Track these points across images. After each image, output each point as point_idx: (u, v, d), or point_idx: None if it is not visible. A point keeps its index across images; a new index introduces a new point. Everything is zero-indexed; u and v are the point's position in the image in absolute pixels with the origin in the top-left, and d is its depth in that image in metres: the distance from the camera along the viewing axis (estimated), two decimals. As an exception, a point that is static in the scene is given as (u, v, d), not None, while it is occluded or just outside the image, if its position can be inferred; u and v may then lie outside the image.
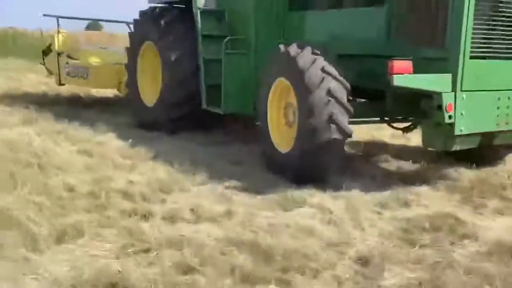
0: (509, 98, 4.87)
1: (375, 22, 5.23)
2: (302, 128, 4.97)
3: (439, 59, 4.59)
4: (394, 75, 4.27)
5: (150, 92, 7.71)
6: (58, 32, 9.00)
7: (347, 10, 5.66)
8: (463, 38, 4.43)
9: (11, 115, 7.49)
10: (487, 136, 4.97)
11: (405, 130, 6.13)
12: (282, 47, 5.33)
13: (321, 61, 4.92)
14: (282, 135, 5.51)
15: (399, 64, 4.31)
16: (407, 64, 4.36)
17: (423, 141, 5.05)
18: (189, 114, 7.03)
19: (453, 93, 4.48)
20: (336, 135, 4.79)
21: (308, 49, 5.04)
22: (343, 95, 4.82)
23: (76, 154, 5.60)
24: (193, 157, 5.67)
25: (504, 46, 4.72)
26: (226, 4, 6.86)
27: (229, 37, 6.37)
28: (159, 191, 4.61)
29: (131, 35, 8.00)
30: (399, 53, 4.85)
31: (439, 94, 4.44)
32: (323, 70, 4.85)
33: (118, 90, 9.12)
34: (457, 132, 4.59)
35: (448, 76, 4.47)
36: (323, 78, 4.82)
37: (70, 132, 6.49)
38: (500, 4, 4.61)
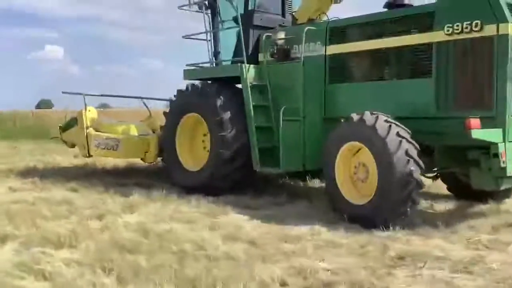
0: None
1: (424, 92, 6.42)
2: (383, 183, 5.97)
3: (487, 117, 5.80)
4: (472, 130, 5.43)
5: (190, 157, 8.50)
6: (85, 107, 9.55)
7: (396, 82, 6.81)
8: (508, 100, 5.72)
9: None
10: None
11: (434, 178, 7.34)
12: (354, 115, 6.37)
13: (395, 127, 6.01)
14: (352, 190, 6.49)
15: (474, 121, 5.49)
16: (478, 121, 5.54)
17: (474, 184, 6.21)
18: (240, 175, 7.86)
19: (503, 143, 5.70)
20: (415, 188, 5.87)
21: (381, 117, 6.13)
22: (415, 154, 5.90)
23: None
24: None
25: None
26: (271, 78, 7.88)
27: (284, 107, 7.34)
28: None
29: (172, 108, 8.79)
30: (447, 114, 6.14)
31: (495, 144, 5.64)
32: (398, 135, 5.95)
33: (143, 159, 9.71)
34: (508, 174, 5.78)
35: (500, 131, 5.69)
36: (400, 142, 5.90)
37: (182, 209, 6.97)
38: None
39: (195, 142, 8.74)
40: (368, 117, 6.26)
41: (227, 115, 7.78)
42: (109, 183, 8.52)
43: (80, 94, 9.81)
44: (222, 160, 7.77)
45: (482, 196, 7.16)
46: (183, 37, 9.27)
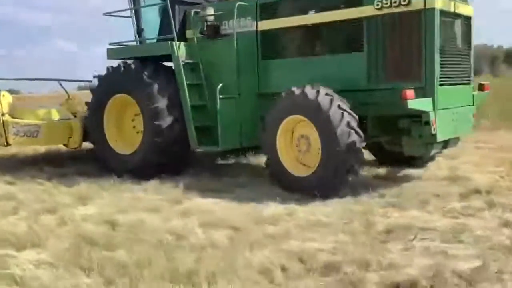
0: (457, 113, 6.69)
1: (356, 66, 6.67)
2: (326, 154, 6.18)
3: (417, 88, 6.16)
4: (408, 100, 5.75)
5: (122, 141, 8.23)
6: (-1, 93, 8.88)
7: (328, 57, 6.99)
8: (436, 71, 6.12)
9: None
10: (445, 142, 6.70)
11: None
12: (295, 89, 6.48)
13: (337, 100, 6.22)
14: (294, 162, 6.66)
15: (409, 92, 5.81)
16: (412, 91, 5.87)
17: (406, 150, 6.62)
18: (177, 157, 7.75)
19: (433, 112, 6.11)
20: (356, 161, 6.17)
21: (323, 90, 6.29)
22: (356, 125, 6.17)
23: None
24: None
25: (455, 74, 6.56)
26: (202, 56, 7.77)
27: (221, 84, 7.29)
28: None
29: (97, 89, 8.40)
30: (379, 86, 6.47)
31: (427, 113, 6.03)
32: (340, 107, 6.17)
33: (65, 145, 9.26)
34: (438, 140, 6.22)
35: (430, 100, 6.08)
36: (342, 114, 6.13)
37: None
38: (451, 41, 6.41)
39: (123, 123, 8.46)
40: (310, 90, 6.41)
41: (163, 102, 7.56)
42: (47, 172, 8.06)
43: (-6, 78, 9.07)
44: (157, 148, 7.59)
45: (405, 162, 7.68)
46: (104, 14, 8.85)
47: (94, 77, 10.28)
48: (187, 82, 7.61)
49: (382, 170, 7.70)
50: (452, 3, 6.43)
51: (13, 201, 6.20)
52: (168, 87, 7.69)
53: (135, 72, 7.80)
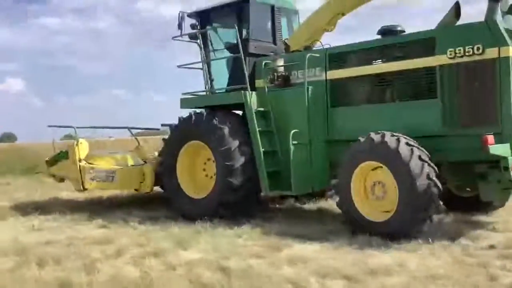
0: None
1: (430, 112, 6.80)
2: (404, 203, 6.28)
3: (494, 133, 6.21)
4: (490, 146, 5.83)
5: (194, 186, 8.56)
6: (77, 140, 9.39)
7: (400, 104, 7.16)
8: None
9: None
10: None
11: None
12: (374, 135, 6.66)
13: (417, 151, 6.35)
14: (367, 206, 6.76)
15: (491, 137, 5.90)
16: (492, 137, 5.96)
17: (483, 196, 6.62)
18: (246, 200, 7.99)
19: (509, 157, 6.14)
20: (434, 211, 6.30)
21: (403, 139, 6.45)
22: (435, 176, 6.27)
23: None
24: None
25: None
26: (272, 104, 8.09)
27: (294, 131, 7.55)
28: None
29: (170, 137, 8.83)
30: (454, 132, 6.56)
31: (506, 158, 6.06)
32: (420, 158, 6.29)
33: (137, 189, 9.62)
34: (520, 186, 6.23)
35: (507, 145, 6.13)
36: (422, 165, 6.25)
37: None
38: None
39: (195, 169, 8.79)
40: (390, 138, 6.55)
41: (234, 144, 7.90)
42: (137, 216, 8.37)
43: (70, 127, 9.65)
44: (230, 188, 7.85)
45: (473, 208, 7.64)
46: (178, 66, 9.37)
47: (162, 125, 10.82)
48: (259, 129, 7.92)
49: (455, 216, 7.62)
50: None
51: (112, 244, 6.38)
52: (238, 131, 8.05)
53: (208, 119, 8.18)
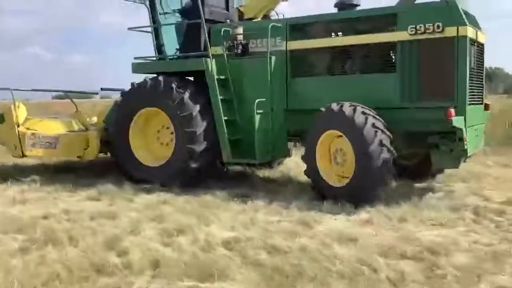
0: (476, 129, 7.38)
1: (389, 86, 7.21)
2: (360, 168, 6.66)
3: (449, 107, 6.76)
4: (453, 118, 6.34)
5: (147, 154, 8.38)
6: (14, 104, 8.74)
7: (359, 76, 7.50)
8: (466, 91, 6.77)
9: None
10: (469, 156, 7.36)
11: None
12: (334, 105, 6.93)
13: (371, 119, 6.72)
14: (331, 172, 7.10)
15: (453, 111, 6.41)
16: (454, 111, 6.47)
17: (436, 164, 7.22)
18: (206, 167, 8.01)
19: (465, 129, 6.73)
20: (388, 176, 6.72)
21: (359, 109, 6.78)
22: (388, 143, 6.69)
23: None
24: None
25: (476, 95, 7.26)
26: (232, 72, 8.08)
27: (258, 100, 7.63)
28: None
29: (125, 101, 8.51)
30: (411, 105, 7.05)
31: (461, 129, 6.64)
32: (374, 126, 6.67)
33: (79, 157, 9.20)
34: (469, 154, 6.85)
35: (462, 118, 6.71)
36: (375, 132, 6.64)
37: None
38: (473, 65, 7.09)
39: (147, 136, 8.60)
40: (347, 108, 6.88)
41: (195, 109, 7.83)
42: (130, 187, 7.75)
43: (6, 89, 8.92)
44: (192, 155, 7.81)
45: (417, 176, 8.30)
46: (128, 29, 8.99)
47: (102, 89, 10.38)
48: (221, 97, 7.89)
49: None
50: (475, 31, 7.14)
51: (120, 219, 5.92)
52: (198, 97, 7.96)
53: (166, 84, 8.00)
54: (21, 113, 8.81)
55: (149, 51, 8.97)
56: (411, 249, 4.82)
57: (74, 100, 10.29)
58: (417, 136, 7.26)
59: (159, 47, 9.04)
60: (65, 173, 9.05)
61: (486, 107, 8.24)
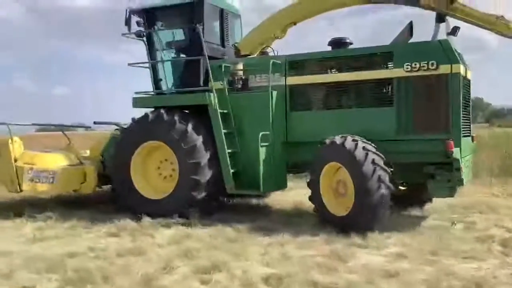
0: (467, 160, 7.84)
1: (386, 119, 7.60)
2: (358, 201, 6.96)
3: (445, 139, 7.19)
4: (454, 150, 6.76)
5: (148, 187, 8.47)
6: (11, 138, 8.70)
7: (357, 110, 7.88)
8: (460, 124, 7.24)
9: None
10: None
11: None
12: (337, 139, 7.27)
13: (371, 155, 7.05)
14: (334, 202, 7.40)
15: (452, 143, 6.84)
16: (453, 143, 6.91)
17: (432, 193, 7.61)
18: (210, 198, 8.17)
19: (461, 159, 7.17)
20: (384, 210, 7.02)
21: (360, 144, 7.13)
22: (387, 178, 7.01)
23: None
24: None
25: (466, 127, 7.73)
26: (233, 106, 8.33)
27: (262, 133, 7.89)
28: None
29: (127, 135, 8.60)
30: (407, 137, 7.46)
31: (457, 160, 7.07)
32: (373, 162, 7.00)
33: (77, 190, 9.16)
34: (464, 184, 7.28)
35: (458, 150, 7.15)
36: (374, 169, 6.96)
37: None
38: (463, 99, 7.57)
39: (148, 169, 8.69)
40: (349, 142, 7.22)
41: (199, 140, 8.02)
42: (143, 219, 7.76)
43: (4, 123, 8.87)
44: (195, 186, 7.95)
45: (407, 205, 8.69)
46: (129, 64, 9.16)
47: (95, 123, 10.44)
48: (224, 130, 8.13)
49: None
50: (465, 68, 7.67)
51: (148, 256, 5.85)
52: (200, 129, 8.17)
53: (169, 117, 8.18)
54: (17, 147, 8.77)
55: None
56: (457, 284, 4.86)
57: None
58: (412, 167, 7.65)
59: (156, 82, 9.24)
60: (76, 207, 8.96)
61: (473, 139, 8.76)
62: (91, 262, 5.56)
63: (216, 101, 8.24)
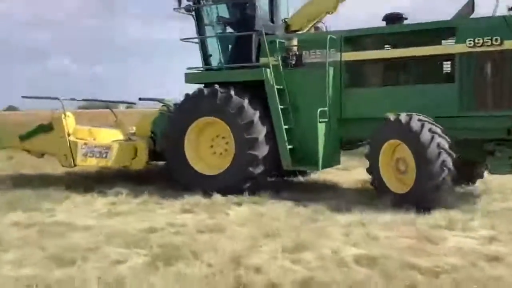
0: None
1: (447, 96, 7.53)
2: (420, 173, 6.92)
3: (507, 116, 7.15)
4: None
5: (202, 163, 8.52)
6: (64, 113, 8.72)
7: (416, 86, 7.81)
8: (526, 99, 7.18)
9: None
10: None
11: None
12: (391, 116, 7.25)
13: (428, 124, 7.01)
14: (394, 180, 7.39)
15: None
16: None
17: (492, 170, 7.59)
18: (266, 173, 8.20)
19: (525, 137, 7.14)
20: (448, 177, 6.93)
21: (415, 116, 7.09)
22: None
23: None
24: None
25: None
26: (288, 83, 8.30)
27: (320, 109, 7.86)
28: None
29: (181, 111, 8.61)
30: (469, 114, 7.40)
31: None
32: (430, 131, 6.95)
33: (127, 165, 9.20)
34: (523, 161, 7.25)
35: None
36: (432, 137, 6.92)
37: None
38: None
39: (200, 146, 8.70)
40: (404, 117, 7.19)
41: (256, 116, 8.02)
42: (214, 196, 7.76)
43: (55, 98, 8.90)
44: (252, 162, 7.98)
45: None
46: (181, 39, 9.12)
47: (140, 99, 10.45)
48: (281, 106, 8.12)
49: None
50: None
51: (228, 232, 5.77)
52: (256, 106, 8.16)
53: (225, 93, 8.17)
54: (70, 122, 8.79)
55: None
56: None
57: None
58: (470, 143, 7.60)
59: (206, 58, 9.21)
60: (143, 183, 8.85)
61: None
62: (174, 237, 5.53)
63: (273, 77, 8.20)
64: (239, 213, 6.91)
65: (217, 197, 7.69)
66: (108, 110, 10.57)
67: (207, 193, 7.87)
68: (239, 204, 7.42)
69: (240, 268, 4.53)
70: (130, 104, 11.41)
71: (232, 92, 8.16)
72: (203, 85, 8.88)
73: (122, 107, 11.12)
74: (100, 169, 9.79)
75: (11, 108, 46.98)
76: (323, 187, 9.03)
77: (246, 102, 8.07)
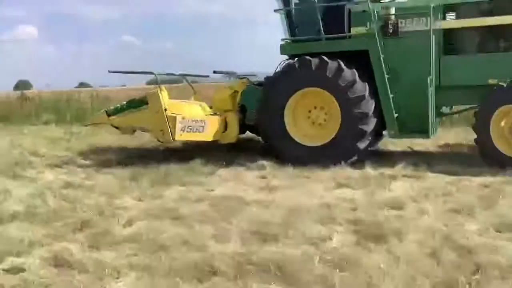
0: None
1: None
2: None
3: None
4: None
5: (297, 132, 8.60)
6: (159, 88, 8.58)
7: None
8: None
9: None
10: None
11: None
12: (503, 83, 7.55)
13: None
14: (508, 147, 7.71)
15: None
16: None
17: None
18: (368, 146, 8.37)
19: None
20: None
21: None
22: None
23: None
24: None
25: None
26: (388, 52, 8.36)
27: (430, 77, 7.97)
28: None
29: (280, 82, 8.58)
30: None
31: None
32: None
33: (218, 139, 9.14)
34: None
35: None
36: None
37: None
38: None
39: (297, 116, 8.71)
40: None
41: (367, 92, 8.12)
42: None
43: (150, 73, 8.74)
44: (360, 136, 8.11)
45: None
46: (275, 11, 9.02)
47: (215, 72, 10.37)
48: (387, 76, 8.20)
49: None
50: None
51: (408, 210, 5.44)
52: (364, 79, 8.21)
53: (334, 65, 8.19)
54: (165, 96, 8.66)
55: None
56: None
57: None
58: None
59: (292, 29, 9.15)
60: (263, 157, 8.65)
61: None
62: (362, 214, 5.24)
63: (379, 47, 8.23)
64: (399, 188, 6.55)
65: (367, 170, 7.54)
66: (182, 83, 10.43)
67: (353, 166, 7.89)
68: (393, 178, 7.08)
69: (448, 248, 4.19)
70: (203, 77, 11.23)
71: (342, 65, 8.16)
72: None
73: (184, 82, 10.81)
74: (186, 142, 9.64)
75: (83, 85, 45.43)
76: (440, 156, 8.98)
77: (356, 76, 8.10)
